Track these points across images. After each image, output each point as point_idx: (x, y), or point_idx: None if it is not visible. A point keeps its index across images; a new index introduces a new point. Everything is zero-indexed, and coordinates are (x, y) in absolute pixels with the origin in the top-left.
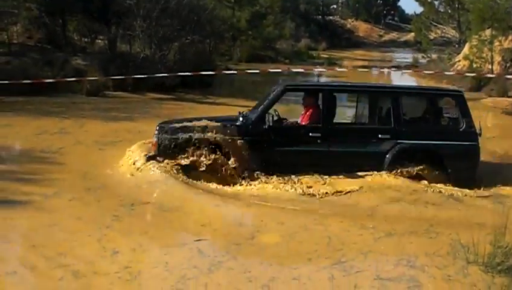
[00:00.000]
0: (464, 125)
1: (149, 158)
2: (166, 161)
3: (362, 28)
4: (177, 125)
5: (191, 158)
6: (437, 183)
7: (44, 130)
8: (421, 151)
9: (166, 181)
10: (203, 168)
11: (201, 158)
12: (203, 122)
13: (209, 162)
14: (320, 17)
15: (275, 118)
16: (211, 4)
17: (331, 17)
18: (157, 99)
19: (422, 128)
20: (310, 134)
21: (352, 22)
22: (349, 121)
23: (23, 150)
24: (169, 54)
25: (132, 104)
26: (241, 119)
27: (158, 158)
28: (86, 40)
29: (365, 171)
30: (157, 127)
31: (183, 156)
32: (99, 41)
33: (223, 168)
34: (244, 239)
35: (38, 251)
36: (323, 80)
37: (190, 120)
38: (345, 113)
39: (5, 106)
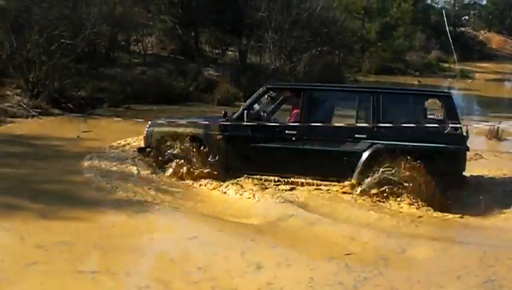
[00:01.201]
0: (449, 128)
1: (139, 150)
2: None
3: (495, 40)
4: (166, 120)
5: (175, 151)
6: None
7: None
8: (397, 153)
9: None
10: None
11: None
12: (191, 119)
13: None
14: (451, 28)
15: (263, 116)
16: (342, 16)
17: (462, 29)
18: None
19: (402, 129)
20: (286, 132)
21: (485, 33)
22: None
23: None
24: (298, 66)
25: None
26: (223, 117)
27: (147, 149)
28: (217, 51)
29: (339, 170)
30: (149, 122)
31: (168, 149)
32: (230, 52)
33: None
34: (393, 253)
35: (176, 265)
36: (454, 91)
37: (184, 117)
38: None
39: (139, 114)
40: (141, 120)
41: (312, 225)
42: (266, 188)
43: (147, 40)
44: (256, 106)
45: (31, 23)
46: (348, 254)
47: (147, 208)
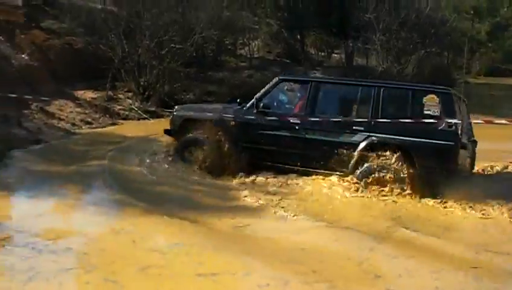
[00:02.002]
0: (444, 125)
1: (165, 131)
2: None
3: None
4: (189, 106)
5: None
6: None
7: None
8: (390, 146)
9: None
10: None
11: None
12: (212, 105)
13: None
14: None
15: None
16: (451, 16)
17: None
18: None
19: (398, 123)
20: (291, 120)
21: None
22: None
23: None
24: (407, 68)
25: None
26: (238, 105)
27: (171, 132)
28: (322, 54)
29: (337, 160)
30: (175, 107)
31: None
32: (335, 55)
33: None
34: None
35: (292, 265)
36: None
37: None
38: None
39: None
40: None
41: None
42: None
43: (253, 44)
44: (282, 96)
45: (142, 28)
46: (474, 267)
47: (263, 211)
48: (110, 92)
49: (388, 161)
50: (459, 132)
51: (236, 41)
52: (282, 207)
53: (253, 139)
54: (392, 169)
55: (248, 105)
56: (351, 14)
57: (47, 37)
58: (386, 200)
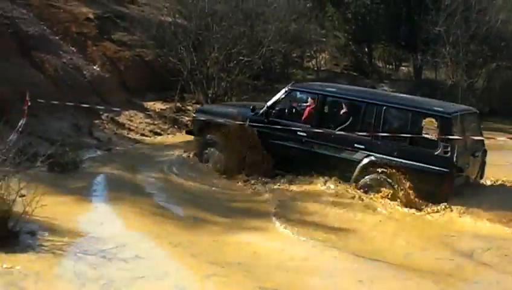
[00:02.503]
0: (440, 150)
1: (187, 132)
2: None
3: None
4: (209, 108)
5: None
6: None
7: None
8: (387, 167)
9: None
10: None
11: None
12: (231, 108)
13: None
14: None
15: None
16: None
17: None
18: None
19: (396, 144)
20: (298, 133)
21: None
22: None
23: None
24: (477, 82)
25: None
26: (251, 111)
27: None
28: (390, 67)
29: (337, 176)
30: (197, 107)
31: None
32: (403, 68)
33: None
34: None
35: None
36: None
37: (230, 105)
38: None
39: None
40: None
41: None
42: None
43: (321, 56)
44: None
45: (211, 41)
46: None
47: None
48: (178, 104)
49: (387, 178)
50: (454, 158)
51: (304, 54)
52: None
53: (263, 146)
54: (390, 186)
55: (260, 112)
56: (420, 27)
57: (118, 49)
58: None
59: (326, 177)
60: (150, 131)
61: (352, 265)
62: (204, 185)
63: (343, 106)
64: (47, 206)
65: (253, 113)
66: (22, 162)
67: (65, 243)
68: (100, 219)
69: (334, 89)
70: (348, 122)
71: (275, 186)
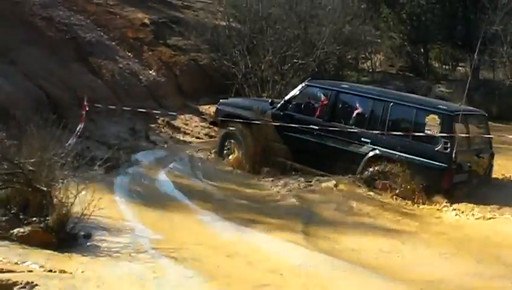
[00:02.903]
0: (440, 146)
1: (210, 123)
2: None
3: None
4: (232, 101)
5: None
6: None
7: None
8: (390, 161)
9: None
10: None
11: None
12: (253, 102)
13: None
14: None
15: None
16: None
17: None
18: None
19: (400, 139)
20: (311, 126)
21: None
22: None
23: None
24: None
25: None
26: (269, 105)
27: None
28: (446, 67)
29: (346, 168)
30: (220, 100)
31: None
32: (460, 68)
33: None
34: None
35: None
36: None
37: (252, 100)
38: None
39: None
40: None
41: None
42: None
43: (375, 58)
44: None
45: (265, 44)
46: None
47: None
48: None
49: (391, 170)
50: (453, 154)
51: (358, 56)
52: None
53: (278, 138)
54: (394, 178)
55: (278, 106)
56: (476, 27)
57: (173, 54)
58: None
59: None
60: (205, 134)
61: None
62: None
63: (353, 102)
64: (104, 209)
65: (271, 107)
66: (80, 165)
67: (123, 245)
68: (156, 222)
69: (346, 86)
70: (356, 118)
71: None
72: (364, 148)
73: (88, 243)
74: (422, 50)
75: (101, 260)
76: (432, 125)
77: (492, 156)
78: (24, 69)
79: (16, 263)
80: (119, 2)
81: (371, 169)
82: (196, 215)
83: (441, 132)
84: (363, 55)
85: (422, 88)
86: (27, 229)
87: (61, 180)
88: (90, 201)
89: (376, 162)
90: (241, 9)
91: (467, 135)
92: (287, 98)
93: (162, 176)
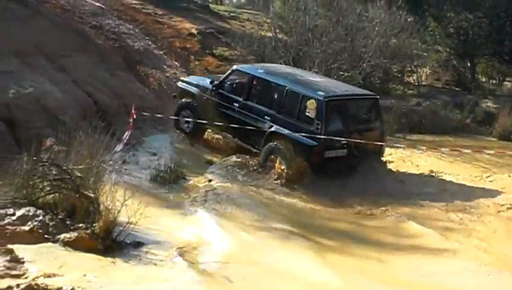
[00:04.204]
0: (314, 127)
1: (173, 96)
2: None
3: None
4: (189, 80)
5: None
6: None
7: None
8: (281, 138)
9: None
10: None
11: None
12: (199, 81)
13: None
14: None
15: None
16: None
17: None
18: None
19: (289, 119)
20: (234, 103)
21: None
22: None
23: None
24: None
25: None
26: (210, 84)
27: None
28: (493, 82)
29: (258, 142)
30: (181, 78)
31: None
32: (507, 83)
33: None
34: None
35: None
36: None
37: (202, 79)
38: None
39: (416, 144)
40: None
41: None
42: None
43: (421, 71)
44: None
45: (311, 56)
46: None
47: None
48: None
49: (281, 146)
50: (321, 134)
51: (404, 69)
52: None
53: (216, 112)
54: (282, 153)
55: (213, 85)
56: None
57: (219, 64)
58: None
59: None
60: None
61: None
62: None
63: (263, 85)
64: (150, 217)
65: (211, 85)
66: (127, 172)
67: (168, 255)
68: (203, 233)
69: (261, 71)
70: (263, 98)
71: None
72: (266, 125)
73: (133, 251)
74: (469, 64)
75: (144, 268)
76: (311, 108)
77: (382, 134)
78: (73, 76)
79: (61, 268)
80: (168, 12)
81: (270, 143)
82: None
83: (316, 115)
84: (409, 69)
85: (469, 103)
86: (73, 234)
87: (108, 187)
88: (137, 209)
89: (273, 137)
90: (288, 20)
91: (344, 116)
92: (221, 79)
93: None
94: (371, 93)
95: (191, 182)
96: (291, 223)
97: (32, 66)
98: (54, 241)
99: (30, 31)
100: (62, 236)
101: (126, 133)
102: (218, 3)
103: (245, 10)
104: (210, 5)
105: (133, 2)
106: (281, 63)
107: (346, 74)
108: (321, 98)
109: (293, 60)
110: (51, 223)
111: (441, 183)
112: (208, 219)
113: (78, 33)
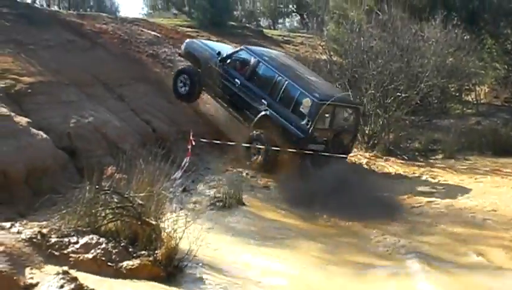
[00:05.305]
0: (304, 122)
1: (178, 54)
2: None
3: None
4: (195, 42)
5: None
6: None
7: None
8: (273, 122)
9: None
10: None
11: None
12: (208, 49)
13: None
14: None
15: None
16: None
17: None
18: None
19: (285, 109)
20: (236, 80)
21: None
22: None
23: None
24: None
25: None
26: (216, 55)
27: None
28: None
29: (251, 119)
30: (187, 39)
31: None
32: None
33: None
34: None
35: None
36: None
37: (208, 47)
38: None
39: (474, 165)
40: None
41: None
42: None
43: (480, 89)
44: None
45: (367, 78)
46: None
47: None
48: None
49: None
50: (309, 129)
51: (462, 88)
52: None
53: (214, 80)
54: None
55: (220, 58)
56: None
57: None
58: None
59: None
60: None
61: None
62: None
63: (266, 71)
64: (211, 244)
65: (217, 57)
66: (187, 199)
67: (231, 284)
68: (265, 264)
69: (266, 58)
70: (263, 83)
71: None
72: (262, 107)
73: (195, 278)
74: None
75: None
76: (306, 106)
77: (354, 138)
78: (132, 104)
79: None
80: (222, 38)
81: (261, 123)
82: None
83: (308, 112)
84: (467, 87)
85: None
86: (136, 262)
87: (169, 214)
88: (198, 236)
89: (265, 119)
90: (342, 43)
91: (330, 118)
92: (228, 53)
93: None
94: (355, 102)
95: (251, 208)
96: None
97: (91, 95)
98: (117, 269)
99: (89, 61)
100: (125, 263)
101: (185, 160)
102: (272, 28)
103: (298, 34)
104: (263, 30)
105: (188, 29)
106: (336, 86)
107: (403, 94)
108: (316, 100)
109: (348, 82)
110: (113, 251)
111: None
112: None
113: (136, 62)
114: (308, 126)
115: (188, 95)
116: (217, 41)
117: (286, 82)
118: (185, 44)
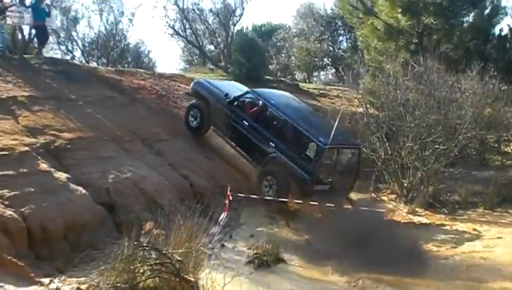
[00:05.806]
0: (311, 165)
1: (186, 93)
2: None
3: None
4: (203, 82)
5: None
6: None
7: None
8: (280, 163)
9: None
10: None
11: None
12: (214, 89)
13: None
14: None
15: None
16: None
17: None
18: None
19: (292, 151)
20: (244, 121)
21: None
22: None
23: None
24: None
25: None
26: (224, 96)
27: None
28: None
29: (259, 159)
30: (195, 79)
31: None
32: None
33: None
34: None
35: None
36: None
37: (216, 88)
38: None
39: None
40: None
41: None
42: None
43: None
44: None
45: (404, 131)
46: None
47: None
48: (373, 194)
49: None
50: (316, 172)
51: (501, 138)
52: None
53: (223, 121)
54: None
55: (228, 100)
56: None
57: None
58: None
59: None
60: None
61: None
62: None
63: (273, 113)
64: None
65: (225, 98)
66: (225, 255)
67: None
68: None
69: (273, 102)
70: (270, 125)
71: None
72: (270, 149)
73: None
74: None
75: None
76: (312, 149)
77: (356, 176)
78: (169, 160)
79: None
80: None
81: (269, 164)
82: None
83: (314, 156)
84: (506, 138)
85: None
86: None
87: (207, 271)
88: None
89: (273, 161)
90: (379, 95)
91: (335, 160)
92: (236, 96)
93: None
94: (356, 143)
95: (290, 266)
96: None
97: (130, 151)
98: None
99: (128, 117)
100: None
101: (223, 215)
102: (307, 81)
103: (334, 87)
104: (299, 83)
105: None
106: (373, 139)
107: (441, 146)
108: (321, 145)
109: (385, 135)
110: None
111: None
112: None
113: (173, 117)
114: (314, 169)
115: (198, 129)
116: (226, 79)
117: (294, 126)
118: (193, 84)
